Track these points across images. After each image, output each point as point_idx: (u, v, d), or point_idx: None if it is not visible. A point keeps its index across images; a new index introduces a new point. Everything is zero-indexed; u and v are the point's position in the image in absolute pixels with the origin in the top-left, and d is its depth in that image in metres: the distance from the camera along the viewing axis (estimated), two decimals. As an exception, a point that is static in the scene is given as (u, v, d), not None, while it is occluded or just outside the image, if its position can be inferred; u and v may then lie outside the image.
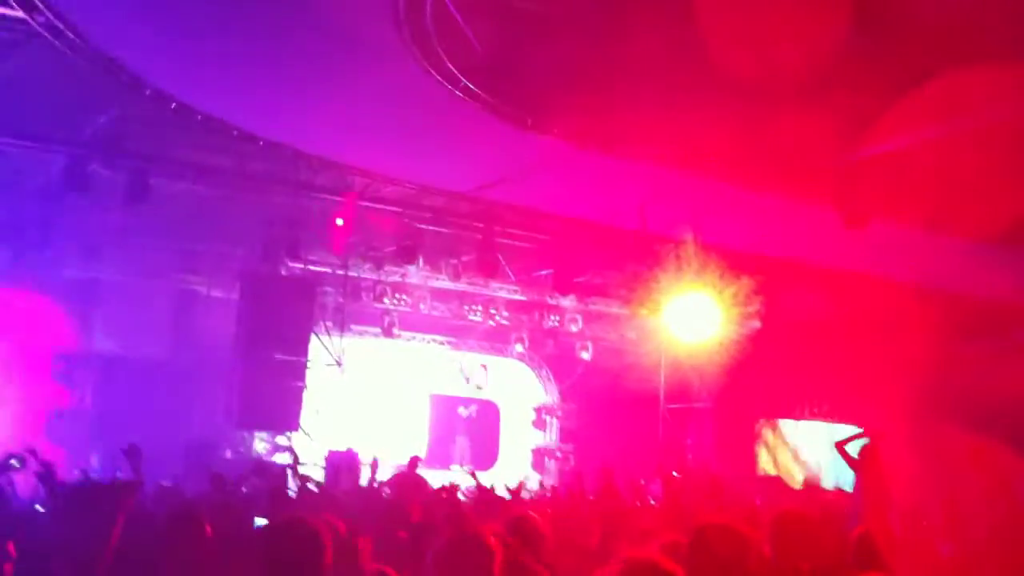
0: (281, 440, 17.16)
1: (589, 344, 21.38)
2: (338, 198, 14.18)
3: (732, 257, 15.64)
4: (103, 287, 17.11)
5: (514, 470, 20.99)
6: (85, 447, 16.88)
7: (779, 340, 18.47)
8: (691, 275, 15.08)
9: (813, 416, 21.91)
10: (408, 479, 13.37)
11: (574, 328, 20.44)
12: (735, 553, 4.18)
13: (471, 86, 9.94)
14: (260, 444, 17.34)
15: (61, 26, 9.27)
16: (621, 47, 8.50)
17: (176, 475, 13.19)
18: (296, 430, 16.94)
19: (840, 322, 18.22)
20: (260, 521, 8.55)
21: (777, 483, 18.65)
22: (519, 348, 22.28)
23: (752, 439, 21.46)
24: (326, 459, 15.84)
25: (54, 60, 9.79)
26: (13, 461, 6.25)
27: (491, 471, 20.87)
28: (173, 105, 11.21)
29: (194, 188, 13.80)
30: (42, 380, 17.32)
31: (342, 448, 15.93)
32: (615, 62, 8.89)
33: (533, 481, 18.27)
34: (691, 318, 15.49)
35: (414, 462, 14.08)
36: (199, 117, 11.55)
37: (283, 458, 16.63)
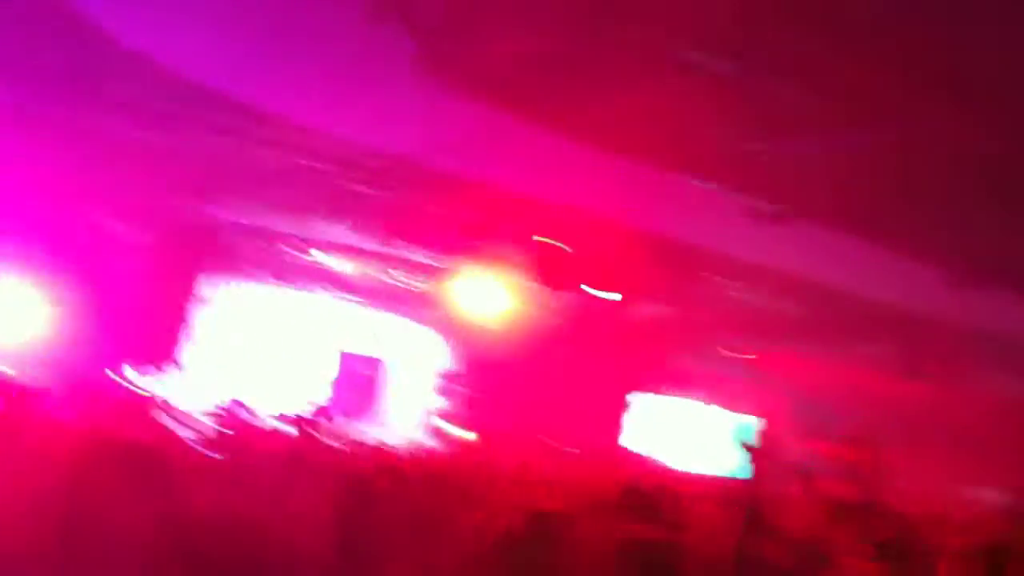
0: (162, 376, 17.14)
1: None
2: (265, 145, 14.13)
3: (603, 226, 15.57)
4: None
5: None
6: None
7: (639, 315, 18.87)
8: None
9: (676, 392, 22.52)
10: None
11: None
12: None
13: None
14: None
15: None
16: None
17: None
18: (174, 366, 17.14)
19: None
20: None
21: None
22: (430, 312, 22.47)
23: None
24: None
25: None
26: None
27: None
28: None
29: (112, 123, 13.64)
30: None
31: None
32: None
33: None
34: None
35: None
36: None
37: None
